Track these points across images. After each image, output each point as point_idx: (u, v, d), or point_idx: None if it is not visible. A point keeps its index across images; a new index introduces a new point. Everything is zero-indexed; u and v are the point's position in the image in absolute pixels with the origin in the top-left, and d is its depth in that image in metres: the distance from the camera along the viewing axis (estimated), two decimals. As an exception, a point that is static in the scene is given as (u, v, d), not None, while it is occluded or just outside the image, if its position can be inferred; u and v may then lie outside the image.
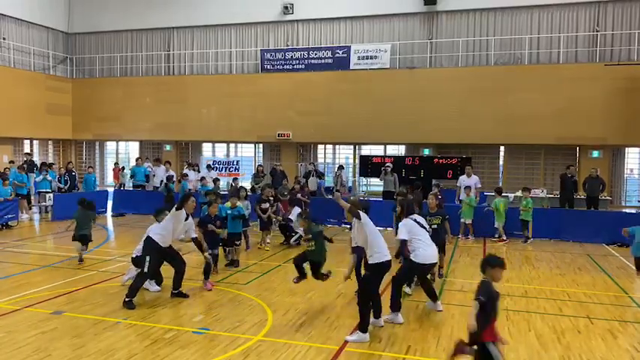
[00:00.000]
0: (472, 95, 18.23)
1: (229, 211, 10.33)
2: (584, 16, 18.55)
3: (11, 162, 18.88)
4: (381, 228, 7.68)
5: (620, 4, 18.17)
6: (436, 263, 7.84)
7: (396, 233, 8.08)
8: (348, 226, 6.96)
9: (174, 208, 8.00)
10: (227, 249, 10.25)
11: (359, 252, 7.24)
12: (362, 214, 6.77)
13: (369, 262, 6.71)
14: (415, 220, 7.52)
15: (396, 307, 7.20)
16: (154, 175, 18.60)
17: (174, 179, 17.48)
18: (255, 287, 8.83)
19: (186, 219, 8.14)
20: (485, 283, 4.87)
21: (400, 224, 7.56)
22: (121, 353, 5.98)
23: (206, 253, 8.54)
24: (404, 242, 7.33)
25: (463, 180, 15.18)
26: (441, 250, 9.03)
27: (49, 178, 17.26)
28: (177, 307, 7.72)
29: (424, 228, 7.54)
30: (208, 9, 22.40)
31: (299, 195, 14.44)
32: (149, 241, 7.90)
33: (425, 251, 7.35)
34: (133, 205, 17.53)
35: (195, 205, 8.28)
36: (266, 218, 12.25)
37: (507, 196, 16.16)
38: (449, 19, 19.87)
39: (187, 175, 17.30)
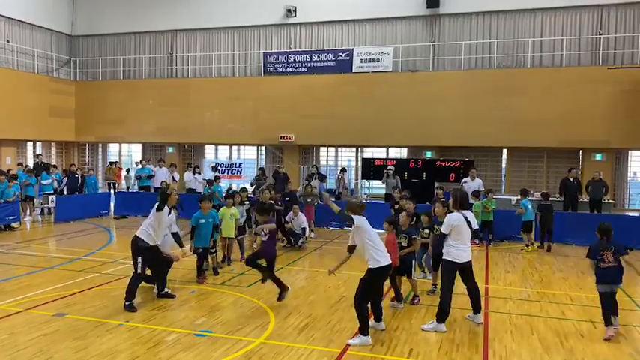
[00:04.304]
0: (474, 98, 18.19)
1: (202, 220, 9.35)
2: (587, 19, 18.51)
3: (20, 164, 18.95)
4: (382, 231, 7.62)
5: (623, 8, 18.12)
6: (470, 261, 7.16)
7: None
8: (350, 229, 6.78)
9: (155, 209, 7.95)
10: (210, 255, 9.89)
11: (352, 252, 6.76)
12: (357, 217, 6.52)
13: (369, 267, 6.46)
14: (466, 218, 7.02)
15: (441, 316, 6.90)
16: (174, 180, 18.04)
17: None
18: (257, 290, 8.81)
19: (169, 213, 8.27)
20: None
21: (448, 216, 7.11)
22: (123, 355, 5.99)
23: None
24: (443, 236, 6.99)
25: (466, 183, 15.14)
26: (407, 273, 8.10)
27: (56, 179, 17.36)
28: (180, 310, 7.72)
29: (469, 227, 7.03)
30: (211, 12, 22.43)
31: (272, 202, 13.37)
32: (137, 240, 7.82)
33: (458, 251, 6.94)
34: (135, 207, 17.52)
35: (177, 199, 8.43)
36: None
37: (509, 200, 16.18)
38: (451, 22, 19.85)
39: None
